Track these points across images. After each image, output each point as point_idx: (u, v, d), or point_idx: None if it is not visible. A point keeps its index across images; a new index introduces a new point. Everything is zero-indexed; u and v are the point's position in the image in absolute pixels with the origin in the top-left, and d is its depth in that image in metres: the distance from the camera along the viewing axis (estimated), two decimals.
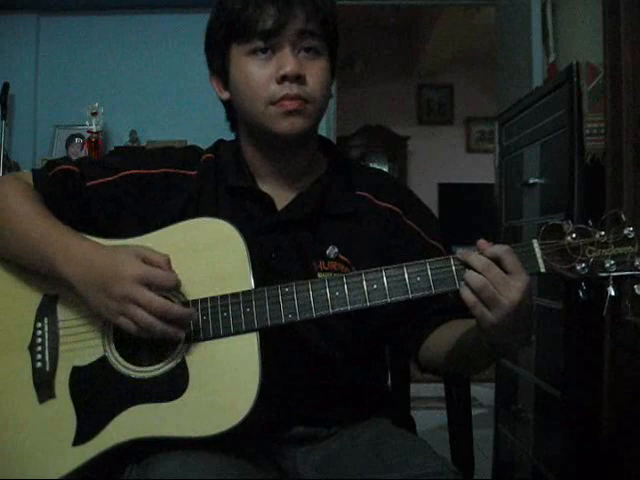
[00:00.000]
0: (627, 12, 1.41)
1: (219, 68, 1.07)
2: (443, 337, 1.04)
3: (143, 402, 0.90)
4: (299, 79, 1.00)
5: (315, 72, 1.02)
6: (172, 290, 0.91)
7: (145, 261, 0.91)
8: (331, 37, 1.05)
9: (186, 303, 0.93)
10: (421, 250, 1.06)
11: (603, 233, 0.86)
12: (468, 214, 5.91)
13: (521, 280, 0.84)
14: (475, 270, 0.85)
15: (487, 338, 0.89)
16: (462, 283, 0.86)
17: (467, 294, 0.85)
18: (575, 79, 1.72)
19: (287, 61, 0.99)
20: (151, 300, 0.88)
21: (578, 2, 2.42)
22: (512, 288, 0.83)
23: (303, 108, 1.01)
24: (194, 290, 0.94)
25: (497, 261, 0.85)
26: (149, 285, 0.89)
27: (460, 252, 0.88)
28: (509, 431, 2.21)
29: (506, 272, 0.84)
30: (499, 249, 0.85)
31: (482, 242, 0.87)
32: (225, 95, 1.09)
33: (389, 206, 1.11)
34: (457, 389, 1.20)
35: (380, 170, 1.24)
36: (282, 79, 0.99)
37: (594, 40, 1.61)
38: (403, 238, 1.09)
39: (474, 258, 0.86)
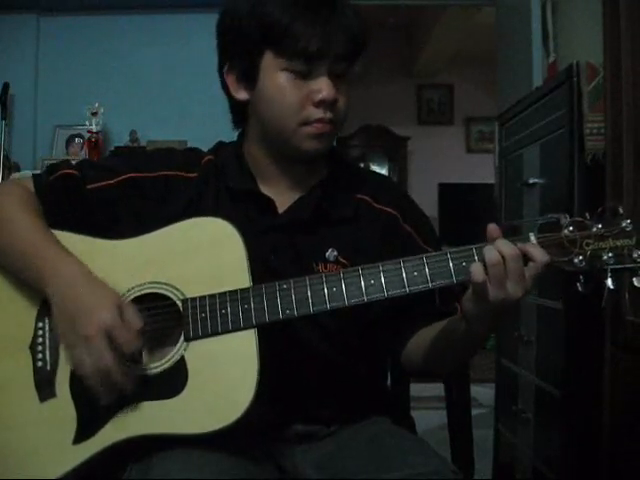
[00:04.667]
0: (627, 12, 1.41)
1: (244, 69, 1.04)
2: (425, 334, 1.05)
3: (143, 400, 0.90)
4: (333, 104, 1.01)
5: (343, 96, 1.04)
6: (130, 356, 0.90)
7: (121, 315, 0.90)
8: (358, 62, 1.06)
9: (185, 300, 0.94)
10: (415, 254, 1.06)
11: (600, 226, 0.86)
12: (468, 214, 5.90)
13: (528, 285, 0.85)
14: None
15: (470, 313, 0.88)
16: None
17: (476, 266, 0.85)
18: (575, 79, 1.72)
19: (325, 86, 1.00)
20: (102, 354, 0.88)
21: (578, 2, 2.41)
22: (521, 284, 0.84)
23: (331, 131, 1.03)
24: (192, 288, 0.94)
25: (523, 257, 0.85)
26: (111, 339, 0.88)
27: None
28: (509, 431, 2.21)
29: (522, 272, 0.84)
30: (540, 255, 0.85)
31: (492, 227, 0.87)
32: (242, 95, 1.06)
33: (387, 209, 1.11)
34: (457, 389, 1.20)
35: (379, 173, 1.26)
36: (319, 104, 1.00)
37: (594, 40, 1.61)
38: (399, 242, 1.09)
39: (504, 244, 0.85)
